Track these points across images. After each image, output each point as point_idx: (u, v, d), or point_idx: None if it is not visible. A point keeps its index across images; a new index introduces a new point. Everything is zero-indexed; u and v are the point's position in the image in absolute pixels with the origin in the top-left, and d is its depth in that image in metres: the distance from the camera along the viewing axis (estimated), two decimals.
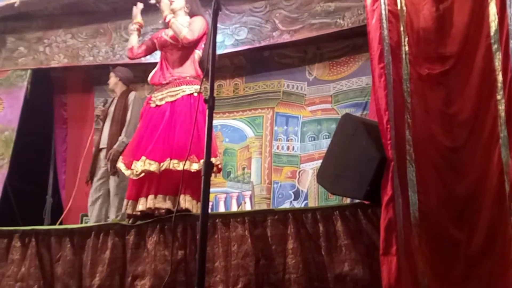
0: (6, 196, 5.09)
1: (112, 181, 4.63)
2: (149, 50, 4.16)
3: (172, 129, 3.70)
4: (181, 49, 3.89)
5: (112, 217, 4.46)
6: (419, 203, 2.80)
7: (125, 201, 3.70)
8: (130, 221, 3.62)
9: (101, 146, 4.82)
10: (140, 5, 4.17)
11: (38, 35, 5.71)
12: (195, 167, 3.53)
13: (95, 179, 4.76)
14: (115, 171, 4.45)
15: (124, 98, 4.87)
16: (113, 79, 5.06)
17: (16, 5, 5.16)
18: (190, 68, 3.88)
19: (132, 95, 4.90)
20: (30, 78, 5.57)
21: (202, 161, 3.45)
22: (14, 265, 3.63)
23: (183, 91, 3.79)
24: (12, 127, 5.37)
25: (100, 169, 4.77)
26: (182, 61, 3.90)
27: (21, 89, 5.47)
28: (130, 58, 4.24)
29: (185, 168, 3.47)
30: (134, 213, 3.61)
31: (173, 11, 3.93)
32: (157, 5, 3.96)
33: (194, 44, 3.87)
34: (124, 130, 4.68)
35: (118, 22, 5.53)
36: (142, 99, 4.71)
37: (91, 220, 4.66)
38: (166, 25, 3.94)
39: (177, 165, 3.53)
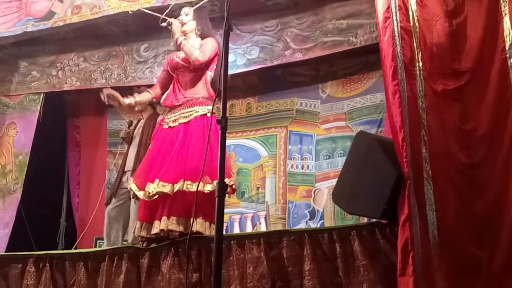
0: (21, 220, 5.09)
1: (133, 203, 4.58)
2: (166, 81, 4.12)
3: (185, 150, 3.69)
4: (193, 71, 3.89)
5: (130, 240, 4.45)
6: (438, 222, 2.74)
7: (138, 223, 3.68)
8: (144, 244, 3.60)
9: (126, 169, 4.80)
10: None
11: (51, 59, 5.76)
12: (208, 188, 3.51)
13: (114, 200, 4.75)
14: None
15: (153, 121, 4.86)
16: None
17: (28, 30, 5.21)
18: (202, 89, 3.88)
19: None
20: (43, 102, 5.61)
21: (215, 182, 3.45)
22: None
23: (196, 111, 3.79)
24: (26, 151, 5.41)
25: (121, 191, 4.74)
26: (194, 82, 3.90)
27: (34, 113, 5.51)
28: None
29: (199, 189, 3.44)
30: (148, 236, 3.58)
31: (184, 33, 3.95)
32: (169, 27, 3.97)
33: (206, 65, 3.88)
34: None
35: (130, 45, 5.57)
36: None
37: (107, 241, 4.64)
38: (178, 47, 3.95)
39: (190, 187, 3.51)
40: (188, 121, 3.78)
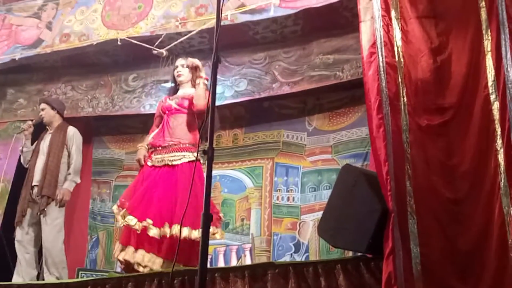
0: (1, 249, 4.99)
1: (45, 225, 4.50)
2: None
3: (172, 194, 3.80)
4: (188, 115, 4.01)
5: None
6: (422, 256, 2.75)
7: (120, 246, 3.76)
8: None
9: (34, 184, 4.65)
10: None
11: (38, 87, 5.78)
12: (195, 234, 3.61)
13: (27, 219, 4.60)
14: (43, 210, 4.45)
15: (62, 133, 4.77)
16: (49, 111, 4.88)
17: (17, 58, 5.22)
18: (191, 135, 4.00)
19: (71, 130, 4.83)
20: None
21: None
22: None
23: (185, 157, 3.90)
24: (8, 179, 5.36)
25: (30, 209, 4.62)
26: (185, 127, 4.02)
27: (18, 141, 5.44)
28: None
29: (186, 235, 3.59)
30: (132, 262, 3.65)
31: (181, 83, 4.14)
32: (160, 56, 4.05)
33: (200, 113, 3.94)
34: (72, 169, 4.66)
35: (118, 74, 5.59)
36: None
37: (19, 262, 4.53)
38: (174, 91, 4.07)
39: (181, 232, 3.57)
40: (176, 166, 3.88)
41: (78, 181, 4.73)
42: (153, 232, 3.65)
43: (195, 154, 3.87)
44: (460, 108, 2.99)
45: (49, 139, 4.78)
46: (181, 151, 3.92)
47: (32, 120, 5.02)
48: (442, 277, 2.73)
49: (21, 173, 5.32)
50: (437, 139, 2.99)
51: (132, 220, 3.67)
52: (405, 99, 3.01)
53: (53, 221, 4.54)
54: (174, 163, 3.89)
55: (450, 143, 2.97)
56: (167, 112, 4.08)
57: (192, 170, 3.79)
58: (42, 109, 4.88)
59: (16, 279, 4.37)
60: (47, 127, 4.90)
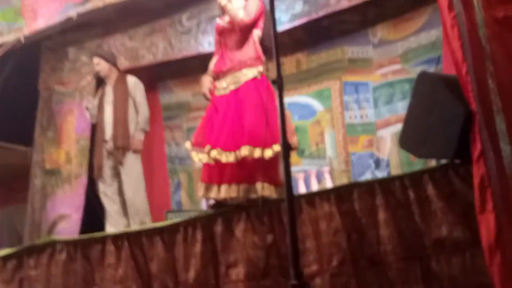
0: (90, 202, 5.22)
1: (124, 176, 4.63)
2: None
3: (240, 117, 3.67)
4: (239, 32, 3.83)
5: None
6: None
7: (203, 184, 3.71)
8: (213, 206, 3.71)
9: (106, 138, 4.72)
10: None
11: (97, 42, 5.82)
12: (268, 153, 3.50)
13: (106, 172, 4.71)
14: (121, 161, 4.57)
15: (123, 85, 4.78)
16: (104, 65, 4.86)
17: (74, 18, 5.25)
18: (250, 50, 3.81)
19: (132, 81, 4.82)
20: (96, 85, 5.67)
21: (274, 146, 3.44)
22: (111, 268, 3.71)
23: (245, 75, 3.75)
24: (86, 136, 5.53)
25: (107, 162, 4.71)
26: (241, 44, 3.84)
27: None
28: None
29: (259, 155, 3.47)
30: (218, 198, 3.64)
31: None
32: None
33: (252, 25, 3.81)
34: (140, 117, 4.73)
35: (172, 16, 5.53)
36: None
37: (109, 213, 4.69)
38: (222, 11, 3.89)
39: (252, 152, 3.50)
40: (239, 87, 3.75)
41: (147, 129, 4.81)
42: (226, 158, 3.56)
43: (258, 68, 3.74)
44: None
45: (111, 92, 4.82)
46: (242, 69, 3.76)
47: (90, 77, 5.08)
48: None
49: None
50: None
51: (204, 157, 3.64)
52: None
53: (132, 171, 4.67)
54: (237, 85, 3.75)
55: None
56: (222, 34, 3.92)
57: (255, 86, 3.69)
58: (97, 64, 4.90)
59: (109, 229, 4.57)
60: (106, 80, 4.92)
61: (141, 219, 4.58)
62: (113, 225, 4.62)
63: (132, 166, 4.68)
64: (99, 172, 4.71)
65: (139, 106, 4.77)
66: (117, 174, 4.72)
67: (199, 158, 3.69)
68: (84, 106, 4.98)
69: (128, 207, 4.63)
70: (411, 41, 5.00)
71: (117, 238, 3.76)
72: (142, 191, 4.73)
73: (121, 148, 4.64)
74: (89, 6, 5.21)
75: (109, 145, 4.70)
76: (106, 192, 4.74)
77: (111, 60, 4.93)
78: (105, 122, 4.75)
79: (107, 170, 4.72)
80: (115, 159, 4.67)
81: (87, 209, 5.28)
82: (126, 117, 4.70)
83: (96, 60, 4.91)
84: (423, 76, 3.20)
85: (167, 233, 3.66)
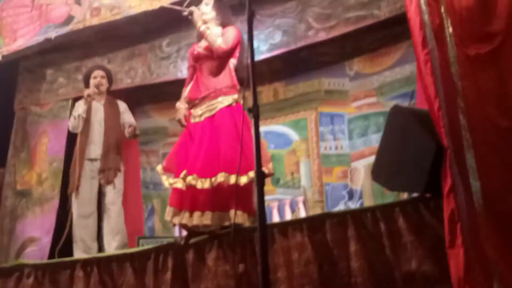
0: (61, 225, 5.14)
1: (111, 194, 4.59)
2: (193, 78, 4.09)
3: (216, 144, 3.68)
4: (216, 60, 3.86)
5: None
6: (482, 190, 2.67)
7: (173, 209, 3.69)
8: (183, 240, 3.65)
9: (93, 156, 4.67)
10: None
11: (75, 64, 5.80)
12: (243, 180, 3.50)
13: (85, 191, 4.62)
14: (111, 181, 4.55)
15: (115, 108, 4.83)
16: (105, 82, 4.92)
17: (52, 38, 5.25)
18: (226, 78, 3.85)
19: (122, 106, 4.90)
20: (71, 107, 5.64)
21: (250, 173, 3.45)
22: None
23: (221, 103, 3.77)
24: (60, 158, 5.46)
25: (88, 181, 4.64)
26: (217, 71, 3.88)
27: (64, 120, 5.54)
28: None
29: (235, 182, 3.46)
30: (191, 225, 3.60)
31: (205, 23, 3.93)
32: (189, 17, 3.96)
33: (229, 54, 3.84)
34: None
35: (152, 42, 5.54)
36: None
37: (80, 236, 4.56)
38: (200, 37, 3.93)
39: (227, 179, 3.50)
40: (214, 114, 3.77)
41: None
42: (202, 184, 3.56)
43: (233, 97, 3.78)
44: (509, 33, 2.85)
45: (101, 111, 4.81)
46: (217, 97, 3.78)
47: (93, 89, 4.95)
48: (505, 209, 2.65)
49: (71, 150, 5.43)
50: (487, 68, 2.86)
51: (177, 182, 3.64)
52: (451, 30, 2.89)
53: (119, 191, 4.67)
54: (212, 112, 3.77)
55: (501, 70, 2.84)
56: (198, 61, 3.97)
57: (230, 113, 3.72)
58: (102, 77, 4.88)
59: (79, 254, 4.48)
60: (95, 97, 4.83)
61: (123, 241, 4.53)
62: (82, 250, 4.53)
63: (120, 186, 4.67)
64: (74, 188, 4.60)
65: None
66: (98, 194, 4.66)
67: (169, 182, 3.69)
68: (74, 114, 4.83)
69: (112, 228, 4.56)
70: (386, 75, 5.09)
71: (86, 264, 3.71)
72: (122, 212, 4.70)
73: (113, 168, 4.62)
74: (69, 28, 5.22)
75: (95, 165, 4.64)
76: (83, 213, 4.61)
77: (111, 80, 4.97)
78: (92, 140, 4.70)
79: (87, 190, 4.64)
80: (103, 179, 4.61)
81: (58, 233, 5.19)
82: (118, 140, 4.73)
83: (101, 73, 4.91)
84: (396, 109, 3.26)
85: (138, 260, 3.63)
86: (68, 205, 4.74)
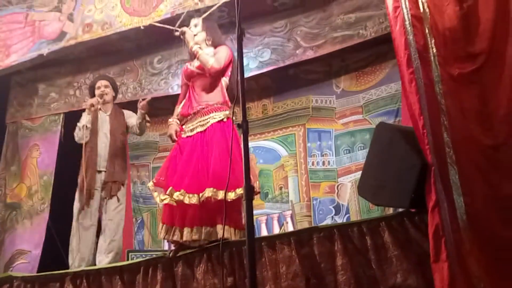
0: (51, 238, 5.15)
1: (111, 210, 4.51)
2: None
3: (206, 159, 3.73)
4: (208, 78, 3.93)
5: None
6: (466, 206, 2.73)
7: (165, 226, 3.70)
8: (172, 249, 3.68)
9: (100, 168, 4.59)
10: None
11: (67, 79, 5.87)
12: (231, 196, 3.53)
13: (92, 204, 4.53)
14: (115, 195, 4.49)
15: (121, 118, 4.76)
16: (111, 92, 4.85)
17: (45, 54, 5.29)
18: (218, 95, 3.91)
19: (127, 113, 4.82)
20: (63, 121, 5.69)
21: (237, 189, 3.49)
22: None
23: (213, 118, 3.83)
24: (50, 171, 5.49)
25: (99, 193, 4.57)
26: (209, 89, 3.94)
27: (56, 134, 5.60)
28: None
29: (222, 198, 3.50)
30: (180, 241, 3.63)
31: (197, 43, 4.00)
32: (181, 37, 4.03)
33: (221, 73, 3.92)
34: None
35: (143, 58, 5.64)
36: None
37: (76, 247, 4.46)
38: (192, 56, 4.00)
39: (215, 194, 3.54)
40: (205, 130, 3.82)
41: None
42: (189, 199, 3.58)
43: (225, 113, 3.83)
44: (491, 53, 2.94)
45: (108, 122, 4.72)
46: (209, 113, 3.84)
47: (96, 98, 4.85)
48: (489, 224, 2.72)
49: (61, 164, 5.47)
50: (470, 87, 2.94)
51: (168, 198, 3.64)
52: (435, 50, 2.97)
53: (119, 206, 4.56)
54: (204, 127, 3.82)
55: (484, 89, 2.92)
56: (191, 78, 4.02)
57: (221, 129, 3.77)
58: (106, 86, 4.83)
59: (73, 263, 4.45)
60: (101, 107, 4.77)
61: (118, 254, 4.49)
62: (76, 262, 4.51)
63: (122, 200, 4.59)
64: (88, 200, 4.49)
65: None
66: (99, 207, 4.59)
67: (160, 198, 3.71)
68: (80, 125, 4.71)
69: (107, 245, 4.45)
70: (372, 93, 5.21)
71: (76, 277, 3.73)
72: (122, 226, 4.63)
73: (118, 182, 4.57)
74: (61, 44, 5.26)
75: (101, 177, 4.58)
76: (85, 223, 4.51)
77: (116, 90, 4.92)
78: (99, 152, 4.60)
79: (93, 201, 4.56)
80: (105, 192, 4.55)
81: (47, 246, 5.19)
82: (124, 152, 4.71)
83: (104, 82, 4.86)
84: (382, 126, 3.33)
85: (127, 273, 3.64)
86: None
